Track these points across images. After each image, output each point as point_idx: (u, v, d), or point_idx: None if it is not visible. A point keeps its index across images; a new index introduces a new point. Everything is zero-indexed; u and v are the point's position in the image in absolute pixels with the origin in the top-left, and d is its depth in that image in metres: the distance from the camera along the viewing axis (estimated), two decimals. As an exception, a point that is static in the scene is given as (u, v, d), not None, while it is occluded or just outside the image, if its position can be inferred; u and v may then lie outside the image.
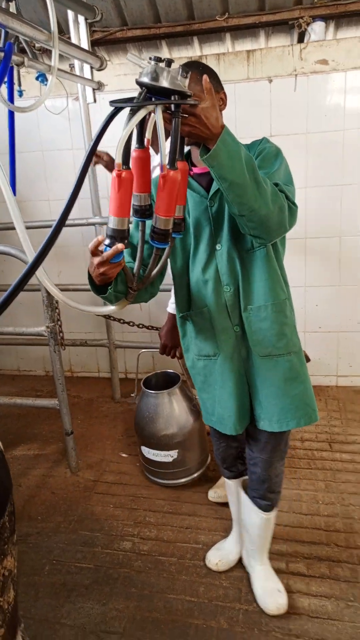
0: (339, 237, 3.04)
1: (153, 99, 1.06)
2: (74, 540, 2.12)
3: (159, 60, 1.04)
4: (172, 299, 2.15)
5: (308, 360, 3.31)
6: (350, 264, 3.08)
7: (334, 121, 2.83)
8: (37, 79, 2.75)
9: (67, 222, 3.15)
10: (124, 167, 1.08)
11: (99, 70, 2.78)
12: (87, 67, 2.76)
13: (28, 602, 1.83)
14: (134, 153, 1.14)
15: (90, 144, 1.08)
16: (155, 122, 1.09)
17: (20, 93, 2.57)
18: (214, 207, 1.42)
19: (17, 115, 3.31)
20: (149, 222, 1.21)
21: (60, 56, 2.77)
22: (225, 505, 2.23)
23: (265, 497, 1.70)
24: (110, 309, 1.32)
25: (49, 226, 3.36)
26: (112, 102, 1.07)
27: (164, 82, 1.04)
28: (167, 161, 1.10)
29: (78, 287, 2.98)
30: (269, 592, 1.74)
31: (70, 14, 2.61)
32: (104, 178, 3.18)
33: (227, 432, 1.59)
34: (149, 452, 2.37)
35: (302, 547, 1.99)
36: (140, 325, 2.82)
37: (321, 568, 1.89)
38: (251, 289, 1.46)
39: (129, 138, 1.07)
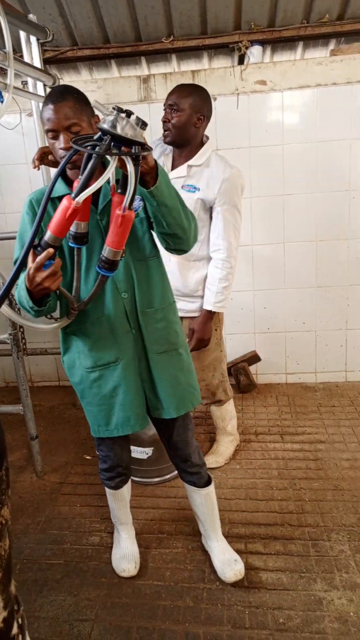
0: (282, 243, 3.27)
1: (114, 146, 1.24)
2: (42, 540, 2.19)
3: (120, 110, 1.20)
4: None
5: (259, 359, 3.52)
6: (293, 268, 3.31)
7: (274, 136, 3.07)
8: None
9: (12, 234, 3.19)
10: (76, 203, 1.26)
11: (51, 87, 2.90)
12: (40, 85, 2.88)
13: (0, 600, 1.90)
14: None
15: (45, 196, 1.26)
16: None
17: (-25, 109, 2.64)
18: (104, 221, 1.53)
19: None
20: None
21: (15, 74, 2.88)
22: (184, 493, 2.37)
23: (194, 473, 1.88)
24: (54, 325, 1.52)
25: (5, 238, 3.41)
26: (73, 142, 1.24)
27: (125, 133, 1.20)
28: (127, 203, 1.29)
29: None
30: (227, 563, 1.91)
31: (23, 34, 2.73)
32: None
33: (135, 430, 1.72)
34: None
35: (259, 529, 2.15)
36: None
37: (276, 546, 2.06)
38: (147, 294, 1.64)
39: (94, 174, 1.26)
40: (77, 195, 1.24)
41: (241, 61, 3.08)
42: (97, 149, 1.22)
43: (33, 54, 2.82)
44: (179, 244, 1.57)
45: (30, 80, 2.86)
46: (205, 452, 2.68)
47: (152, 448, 2.46)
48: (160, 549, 2.09)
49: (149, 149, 1.28)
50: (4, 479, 0.69)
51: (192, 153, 2.23)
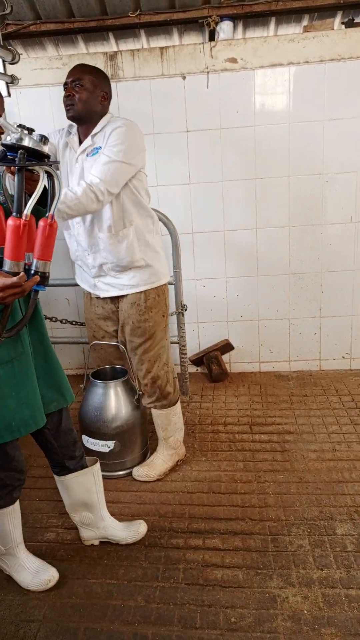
0: (255, 229, 3.17)
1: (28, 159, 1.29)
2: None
3: (23, 127, 1.27)
4: None
5: (232, 348, 3.45)
6: (266, 254, 3.22)
7: (245, 117, 2.95)
8: None
9: None
10: (20, 216, 1.29)
11: (11, 63, 2.77)
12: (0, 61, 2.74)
13: None
14: None
15: None
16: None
17: None
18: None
19: None
20: None
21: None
22: (147, 487, 2.32)
23: (81, 457, 1.92)
24: None
25: None
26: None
27: (37, 147, 1.28)
28: (51, 212, 1.34)
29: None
30: (130, 527, 2.04)
31: (-22, 6, 2.58)
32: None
33: (39, 425, 1.64)
34: (88, 441, 2.42)
35: (219, 524, 2.10)
36: (64, 321, 2.84)
37: (235, 541, 2.00)
38: None
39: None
40: (19, 210, 1.29)
41: (212, 38, 2.95)
42: (16, 162, 1.27)
43: (-10, 28, 2.67)
44: None
45: (-12, 56, 2.72)
46: (143, 461, 2.51)
47: (114, 441, 2.38)
48: (116, 545, 2.02)
49: (48, 161, 1.34)
50: None
51: (95, 126, 2.15)
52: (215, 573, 1.86)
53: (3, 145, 1.24)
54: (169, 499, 2.29)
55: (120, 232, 2.14)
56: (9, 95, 2.83)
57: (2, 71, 2.74)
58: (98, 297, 2.33)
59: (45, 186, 1.34)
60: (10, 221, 1.27)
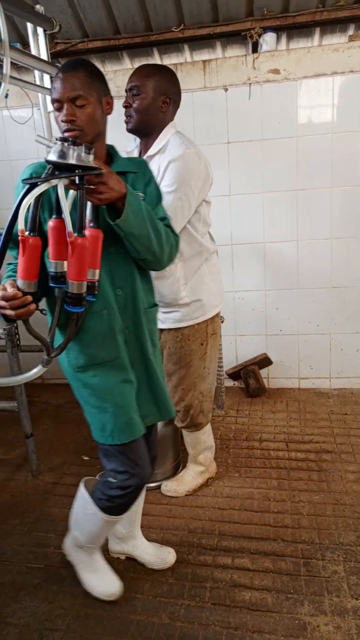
0: (296, 241, 3.11)
1: (61, 173, 1.17)
2: (27, 542, 2.13)
3: (64, 140, 1.17)
4: None
5: (270, 362, 3.37)
6: (307, 267, 3.14)
7: (287, 128, 2.91)
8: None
9: None
10: (32, 234, 1.17)
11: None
12: (47, 78, 2.83)
13: (-24, 602, 1.85)
14: (51, 223, 1.23)
15: (7, 223, 1.18)
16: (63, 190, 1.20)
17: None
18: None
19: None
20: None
21: (24, 68, 2.85)
22: (177, 501, 2.29)
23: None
24: (35, 371, 1.40)
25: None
26: (24, 181, 1.18)
27: (71, 160, 1.15)
28: (70, 229, 1.19)
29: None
30: (159, 554, 1.96)
31: (30, 26, 2.68)
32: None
33: (135, 435, 1.55)
34: None
35: (249, 543, 2.03)
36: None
37: (265, 562, 1.92)
38: (147, 293, 1.59)
39: (37, 207, 1.17)
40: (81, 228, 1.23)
41: (255, 50, 2.94)
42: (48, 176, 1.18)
43: (40, 46, 2.77)
44: (151, 265, 1.54)
45: (37, 73, 2.81)
46: (174, 475, 2.46)
47: (145, 452, 2.36)
48: (144, 559, 1.99)
49: (99, 172, 1.22)
50: None
51: (155, 141, 1.94)
52: (244, 594, 1.79)
53: (47, 161, 1.18)
54: (199, 514, 2.24)
55: (167, 268, 1.79)
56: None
57: (49, 87, 2.83)
58: None
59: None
60: (88, 232, 1.23)
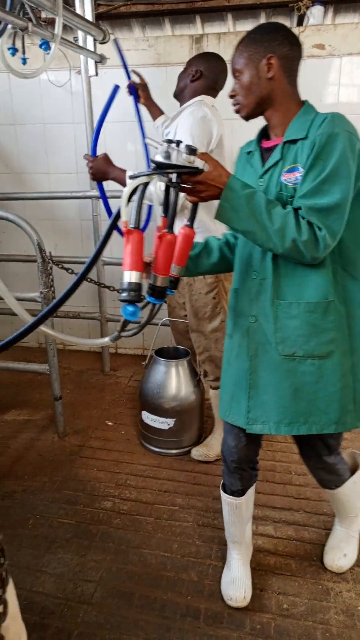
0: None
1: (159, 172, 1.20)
2: (57, 499, 2.22)
3: (170, 142, 1.20)
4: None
5: None
6: None
7: (329, 106, 2.88)
8: (40, 46, 2.75)
9: (65, 194, 3.24)
10: (132, 227, 1.17)
11: (101, 43, 2.82)
12: (90, 40, 2.79)
13: (11, 551, 1.94)
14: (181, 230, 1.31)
15: (110, 220, 1.19)
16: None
17: (24, 60, 2.58)
18: (262, 186, 1.39)
19: (19, 87, 3.36)
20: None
21: (65, 27, 2.81)
22: (207, 463, 2.41)
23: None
24: (104, 340, 1.36)
25: (47, 197, 3.47)
26: (131, 177, 1.20)
27: (173, 160, 1.20)
28: (161, 224, 1.21)
29: (72, 260, 3.06)
30: (334, 551, 1.85)
31: (75, -15, 2.64)
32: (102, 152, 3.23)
33: (237, 423, 1.54)
34: (147, 417, 2.48)
35: (273, 512, 2.10)
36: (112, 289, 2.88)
37: (288, 531, 2.00)
38: (284, 284, 1.39)
39: (138, 198, 1.19)
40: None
41: (300, 22, 2.88)
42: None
43: (85, 7, 2.72)
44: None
45: (80, 35, 2.77)
46: (198, 441, 2.58)
47: (174, 419, 2.43)
48: (171, 521, 2.08)
49: (194, 170, 1.24)
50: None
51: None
52: (268, 559, 1.87)
53: (152, 161, 1.21)
54: (223, 482, 2.31)
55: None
56: (97, 74, 2.89)
57: (93, 50, 2.79)
58: None
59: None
60: (182, 230, 1.30)
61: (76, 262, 3.06)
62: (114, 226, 1.18)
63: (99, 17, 3.03)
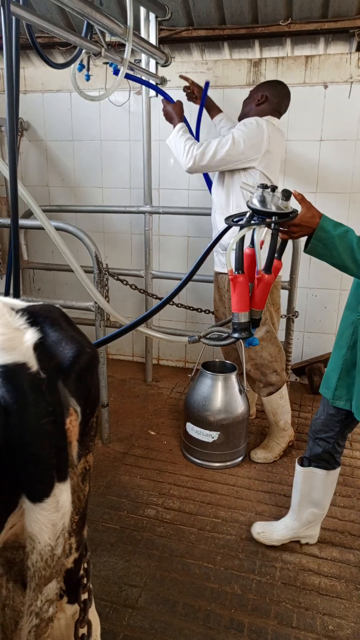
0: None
1: (258, 218, 1.38)
2: (102, 503, 2.27)
3: (264, 187, 1.32)
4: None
5: None
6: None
7: (385, 130, 2.90)
8: (110, 65, 2.86)
9: (118, 208, 3.39)
10: (238, 272, 1.38)
11: (163, 66, 2.93)
12: (152, 63, 2.91)
13: (57, 551, 1.99)
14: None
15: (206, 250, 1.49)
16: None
17: (88, 77, 2.72)
18: None
19: (79, 105, 3.50)
20: None
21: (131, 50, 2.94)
22: (243, 483, 2.40)
23: None
24: (179, 338, 1.80)
25: (100, 211, 3.60)
26: (226, 220, 1.42)
27: (271, 206, 1.33)
28: (260, 266, 1.42)
29: (123, 272, 3.15)
30: None
31: (143, 11, 2.77)
32: (156, 170, 3.33)
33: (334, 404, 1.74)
34: (192, 429, 2.52)
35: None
36: (180, 305, 2.95)
37: (333, 552, 1.98)
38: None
39: (240, 246, 1.39)
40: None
41: (359, 48, 2.92)
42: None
43: (150, 32, 2.84)
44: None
45: (144, 58, 2.90)
46: (255, 445, 2.68)
47: (219, 433, 2.45)
48: (214, 533, 2.09)
49: (292, 217, 1.36)
50: (94, 426, 0.72)
51: None
52: (313, 579, 1.86)
53: (250, 207, 1.36)
54: (265, 498, 2.31)
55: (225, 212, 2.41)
56: (157, 95, 3.00)
57: (155, 72, 2.91)
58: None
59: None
60: (266, 278, 1.43)
61: (127, 275, 3.15)
62: (213, 246, 1.36)
63: (160, 40, 3.15)
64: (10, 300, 0.58)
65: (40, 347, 0.51)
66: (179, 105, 2.64)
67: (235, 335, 1.42)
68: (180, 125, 2.47)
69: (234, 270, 1.36)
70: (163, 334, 1.64)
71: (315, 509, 1.93)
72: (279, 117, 2.48)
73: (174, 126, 2.50)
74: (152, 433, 2.89)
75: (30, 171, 3.70)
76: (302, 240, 3.16)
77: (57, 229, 2.37)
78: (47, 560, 0.58)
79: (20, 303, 0.59)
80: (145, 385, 3.52)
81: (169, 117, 2.59)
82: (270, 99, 2.43)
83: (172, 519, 2.17)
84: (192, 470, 2.52)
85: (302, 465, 1.92)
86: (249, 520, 2.16)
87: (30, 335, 0.50)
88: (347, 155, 2.99)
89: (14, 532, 0.63)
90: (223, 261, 2.51)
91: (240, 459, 2.58)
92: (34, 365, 0.49)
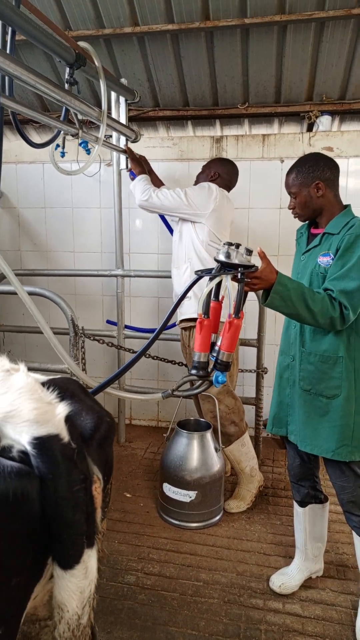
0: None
1: (225, 270, 1.57)
2: (80, 572, 2.20)
3: (230, 244, 1.54)
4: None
5: None
6: None
7: (338, 200, 3.17)
8: (80, 145, 3.06)
9: (91, 272, 3.56)
10: (205, 317, 1.56)
11: (133, 142, 3.15)
12: (122, 139, 3.12)
13: (35, 628, 1.91)
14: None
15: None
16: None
17: (63, 154, 2.90)
18: (302, 262, 1.90)
19: (52, 176, 3.67)
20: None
21: (95, 127, 3.16)
22: (223, 543, 2.37)
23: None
24: (151, 396, 1.81)
25: (73, 275, 3.69)
26: (196, 272, 1.63)
27: (235, 260, 1.54)
28: (232, 311, 1.58)
29: (96, 333, 3.21)
30: None
31: (114, 95, 3.00)
32: (127, 235, 3.49)
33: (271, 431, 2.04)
34: (169, 489, 2.51)
35: (298, 590, 2.09)
36: (156, 357, 3.03)
37: (316, 610, 1.99)
38: (310, 336, 1.83)
39: (209, 293, 1.58)
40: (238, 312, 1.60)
41: (310, 128, 3.25)
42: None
43: (120, 112, 3.08)
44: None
45: (114, 135, 3.11)
46: (227, 497, 2.74)
47: (196, 492, 2.46)
48: (196, 597, 2.06)
49: (254, 270, 1.58)
50: (109, 492, 0.76)
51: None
52: (297, 639, 1.85)
53: (217, 260, 1.57)
54: (246, 557, 2.31)
55: (176, 268, 2.73)
56: (127, 167, 3.21)
57: (123, 147, 3.12)
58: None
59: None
60: (235, 322, 1.57)
61: (101, 335, 3.21)
62: (184, 297, 1.51)
63: (130, 119, 3.41)
64: (36, 375, 0.64)
65: (69, 419, 0.57)
66: (143, 158, 2.99)
67: (193, 372, 1.55)
68: (144, 175, 2.78)
69: (202, 315, 1.53)
70: (136, 393, 1.74)
71: (319, 542, 2.10)
72: (228, 191, 2.77)
73: (138, 174, 2.80)
74: (128, 495, 2.86)
75: (2, 236, 3.79)
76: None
77: (34, 294, 2.44)
78: (74, 630, 0.60)
79: (42, 377, 0.65)
80: (118, 447, 3.50)
81: (135, 169, 2.90)
82: (222, 176, 2.75)
83: (153, 585, 2.13)
84: (170, 531, 2.50)
85: (302, 506, 2.07)
86: (230, 581, 2.14)
87: (62, 408, 0.56)
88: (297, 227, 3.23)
89: (33, 605, 0.65)
90: (182, 310, 2.69)
91: (218, 517, 2.58)
92: (65, 436, 0.55)
